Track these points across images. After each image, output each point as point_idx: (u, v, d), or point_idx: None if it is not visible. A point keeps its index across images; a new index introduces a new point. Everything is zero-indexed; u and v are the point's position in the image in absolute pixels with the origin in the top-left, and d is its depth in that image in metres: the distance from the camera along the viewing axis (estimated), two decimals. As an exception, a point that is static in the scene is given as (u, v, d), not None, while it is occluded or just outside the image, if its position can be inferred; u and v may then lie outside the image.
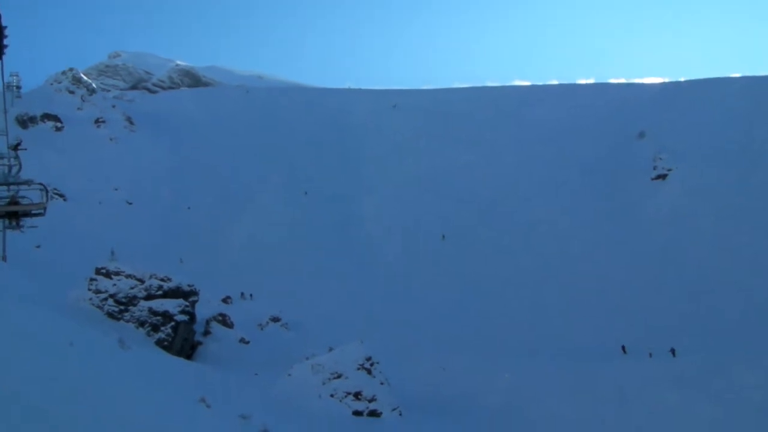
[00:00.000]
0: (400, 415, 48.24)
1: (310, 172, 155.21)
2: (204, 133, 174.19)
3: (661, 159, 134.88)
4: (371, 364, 50.80)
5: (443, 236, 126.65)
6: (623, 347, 73.81)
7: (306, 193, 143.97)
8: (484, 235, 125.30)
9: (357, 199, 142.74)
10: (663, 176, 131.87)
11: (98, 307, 62.96)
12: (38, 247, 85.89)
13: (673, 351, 68.13)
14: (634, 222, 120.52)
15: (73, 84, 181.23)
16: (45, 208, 22.21)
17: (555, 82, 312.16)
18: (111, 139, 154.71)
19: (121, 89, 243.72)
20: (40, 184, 22.48)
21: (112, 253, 67.73)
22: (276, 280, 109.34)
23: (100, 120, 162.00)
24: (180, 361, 45.63)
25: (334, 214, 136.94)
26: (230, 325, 77.25)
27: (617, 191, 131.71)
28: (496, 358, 69.86)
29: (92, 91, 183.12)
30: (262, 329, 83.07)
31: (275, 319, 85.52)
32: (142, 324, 63.59)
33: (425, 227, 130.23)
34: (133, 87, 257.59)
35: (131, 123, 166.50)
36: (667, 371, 56.80)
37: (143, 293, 64.73)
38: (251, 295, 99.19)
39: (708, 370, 54.71)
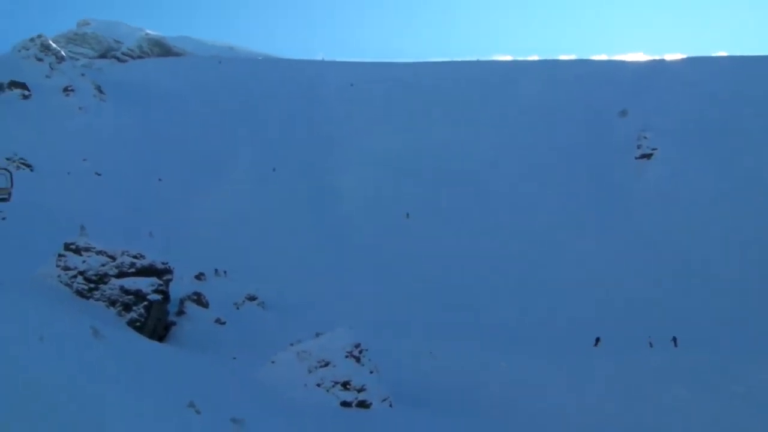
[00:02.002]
0: (391, 406, 45.30)
1: (284, 146, 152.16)
2: (175, 103, 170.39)
3: (645, 138, 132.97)
4: (360, 352, 47.76)
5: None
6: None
7: (274, 169, 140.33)
8: (467, 215, 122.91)
9: (331, 176, 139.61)
10: (648, 155, 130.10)
11: (67, 284, 59.46)
12: (4, 218, 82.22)
13: (675, 340, 65.59)
14: (621, 203, 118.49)
15: (42, 51, 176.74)
16: (10, 194, 19.35)
17: (536, 57, 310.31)
18: (80, 108, 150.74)
19: (90, 58, 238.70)
20: (5, 169, 19.55)
21: (82, 228, 64.03)
22: (250, 256, 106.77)
23: (69, 88, 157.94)
24: (157, 349, 42.35)
25: (308, 191, 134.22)
26: (205, 305, 74.00)
27: (601, 171, 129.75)
28: (486, 346, 67.20)
29: (61, 59, 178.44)
30: (238, 309, 79.97)
31: (252, 298, 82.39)
32: (113, 303, 60.18)
33: (403, 206, 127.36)
34: (102, 56, 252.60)
35: (101, 92, 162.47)
36: (672, 365, 54.32)
37: (114, 271, 61.23)
38: (225, 272, 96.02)
39: (715, 366, 52.09)
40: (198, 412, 21.98)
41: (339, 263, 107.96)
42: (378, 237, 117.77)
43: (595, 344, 68.99)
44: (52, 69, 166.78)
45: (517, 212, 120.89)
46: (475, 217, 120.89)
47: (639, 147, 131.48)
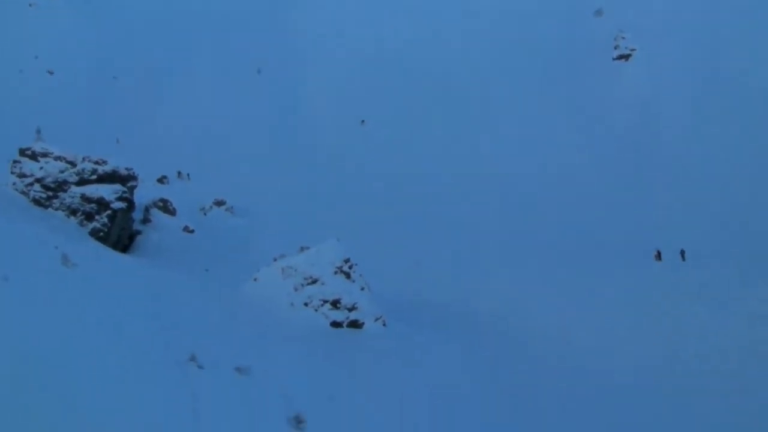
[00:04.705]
0: (384, 325, 42.00)
1: (244, 45, 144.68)
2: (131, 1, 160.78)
3: (623, 38, 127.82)
4: (350, 267, 44.14)
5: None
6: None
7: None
8: (435, 118, 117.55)
9: (293, 78, 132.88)
10: (626, 56, 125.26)
11: (23, 192, 55.05)
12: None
13: (682, 253, 61.85)
14: (599, 106, 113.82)
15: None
16: None
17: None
18: (30, 5, 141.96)
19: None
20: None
21: (38, 131, 58.96)
22: (212, 159, 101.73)
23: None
24: (133, 271, 38.09)
25: (271, 91, 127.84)
26: (172, 212, 69.70)
27: (577, 72, 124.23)
28: (475, 257, 63.34)
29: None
30: (205, 214, 75.97)
31: (219, 203, 78.20)
32: (73, 212, 55.92)
33: (368, 109, 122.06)
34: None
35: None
36: (684, 281, 50.64)
37: (75, 178, 56.70)
38: (188, 175, 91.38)
39: (731, 283, 48.32)
40: (200, 366, 18.28)
41: (304, 166, 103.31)
42: (342, 141, 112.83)
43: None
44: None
45: (489, 114, 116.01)
46: (445, 120, 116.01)
47: (616, 48, 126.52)
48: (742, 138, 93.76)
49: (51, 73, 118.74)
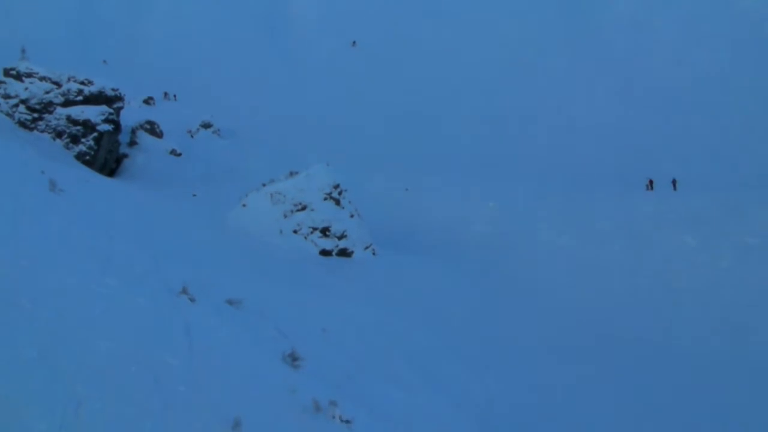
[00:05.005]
0: (374, 254, 41.81)
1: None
2: None
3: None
4: (339, 193, 43.69)
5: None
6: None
7: None
8: (431, 40, 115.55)
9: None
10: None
11: (8, 114, 53.98)
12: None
13: (674, 182, 61.34)
14: (592, 29, 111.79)
15: None
16: None
17: None
18: None
19: None
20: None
21: (23, 51, 57.49)
22: (199, 80, 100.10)
23: None
24: (121, 196, 37.57)
25: (260, 10, 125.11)
26: (159, 135, 68.60)
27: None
28: (466, 185, 62.46)
29: None
30: (192, 137, 74.88)
31: (207, 125, 77.04)
32: (59, 135, 54.99)
33: (358, 27, 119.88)
34: None
35: None
36: (675, 210, 50.10)
37: (60, 99, 55.64)
38: (175, 96, 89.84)
39: (722, 212, 47.83)
40: (192, 299, 17.97)
41: (293, 88, 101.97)
42: (333, 62, 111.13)
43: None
44: None
45: (480, 35, 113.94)
46: (437, 41, 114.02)
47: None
48: (733, 63, 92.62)
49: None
